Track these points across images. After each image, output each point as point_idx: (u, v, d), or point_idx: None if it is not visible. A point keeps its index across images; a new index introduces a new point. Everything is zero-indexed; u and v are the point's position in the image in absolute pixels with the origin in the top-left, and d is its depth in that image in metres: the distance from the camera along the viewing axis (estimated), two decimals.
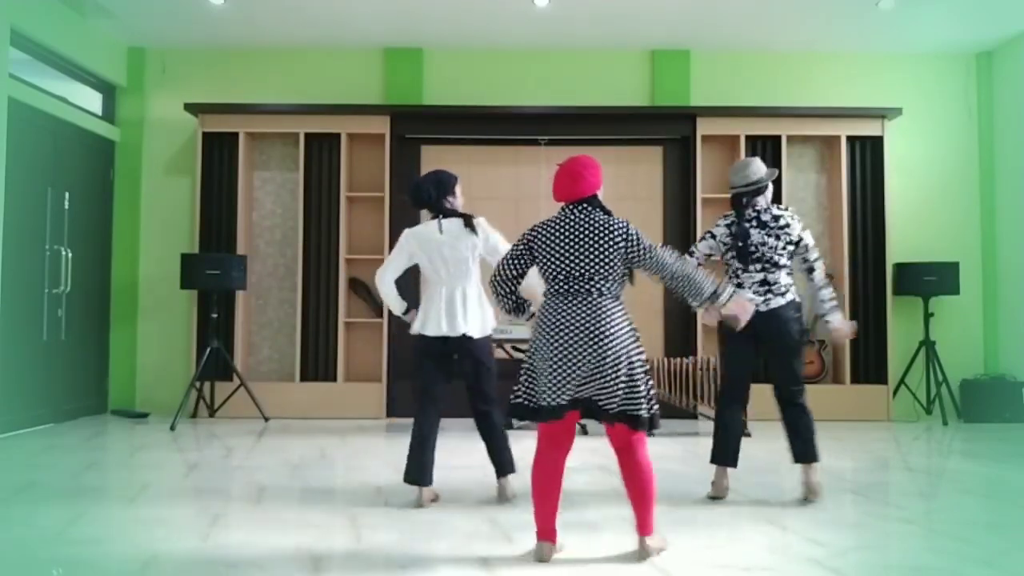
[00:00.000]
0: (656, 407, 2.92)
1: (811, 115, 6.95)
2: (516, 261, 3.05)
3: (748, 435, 5.84)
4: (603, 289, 2.91)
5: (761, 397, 6.65)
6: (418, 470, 3.72)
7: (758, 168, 3.96)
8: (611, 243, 2.91)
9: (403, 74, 7.26)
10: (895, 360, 6.90)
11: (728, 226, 3.97)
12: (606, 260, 2.90)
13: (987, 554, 3.00)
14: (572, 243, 2.93)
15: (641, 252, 2.94)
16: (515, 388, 2.98)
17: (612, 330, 2.84)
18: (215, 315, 6.50)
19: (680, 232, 7.05)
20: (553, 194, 3.08)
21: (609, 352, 2.82)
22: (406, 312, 3.94)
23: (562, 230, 2.96)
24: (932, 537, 3.25)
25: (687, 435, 5.92)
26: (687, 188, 7.05)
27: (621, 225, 2.95)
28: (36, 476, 4.33)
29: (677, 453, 5.19)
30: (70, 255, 6.37)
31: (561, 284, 2.93)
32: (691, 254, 4.01)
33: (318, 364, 6.91)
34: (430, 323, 3.76)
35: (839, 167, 6.99)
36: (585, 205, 3.00)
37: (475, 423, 3.89)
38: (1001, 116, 7.17)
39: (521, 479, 4.03)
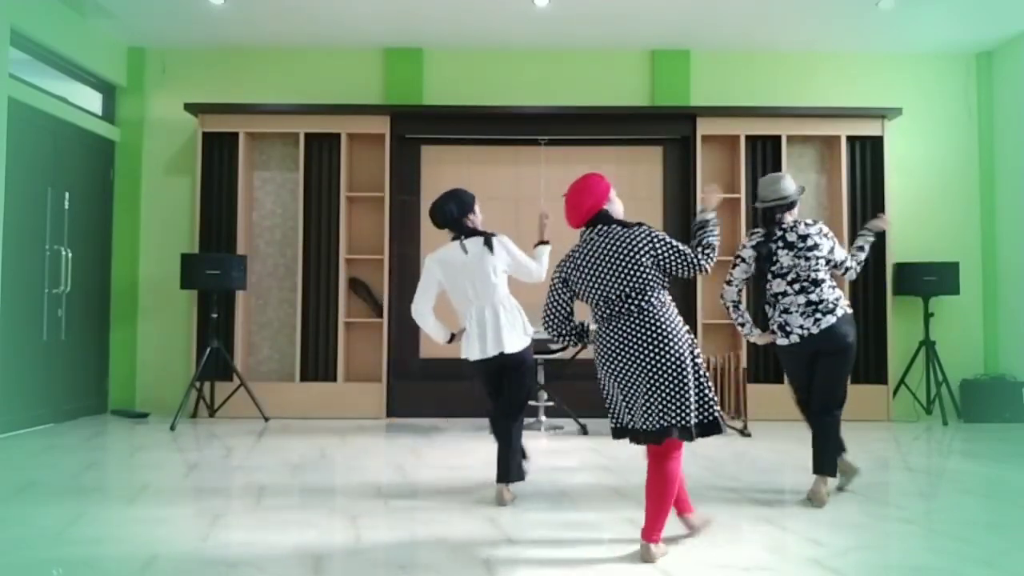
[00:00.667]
0: (715, 411, 2.98)
1: (811, 115, 6.95)
2: (557, 302, 3.08)
3: (748, 435, 5.85)
4: (642, 303, 2.91)
5: (762, 397, 6.68)
6: (504, 468, 3.78)
7: (789, 184, 3.93)
8: (638, 254, 2.92)
9: (403, 74, 7.26)
10: (895, 360, 6.90)
11: (755, 247, 3.92)
12: (639, 273, 2.91)
13: (987, 554, 3.00)
14: (600, 267, 2.95)
15: (668, 252, 2.95)
16: (606, 406, 3.07)
17: (662, 342, 2.87)
18: (215, 315, 6.50)
19: (680, 232, 7.04)
20: (568, 222, 3.13)
21: (671, 360, 2.86)
22: (451, 339, 3.96)
23: (587, 256, 2.99)
24: (932, 537, 3.25)
25: None
26: (687, 188, 7.05)
27: (643, 233, 2.96)
28: (36, 476, 4.33)
29: None
30: (70, 255, 6.37)
31: (603, 309, 2.97)
32: (729, 283, 3.96)
33: (318, 364, 6.91)
34: (470, 347, 3.82)
35: (839, 167, 6.99)
36: (600, 225, 3.02)
37: (491, 423, 3.92)
38: (1001, 116, 7.17)
39: (525, 482, 4.03)
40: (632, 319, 2.90)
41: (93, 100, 7.02)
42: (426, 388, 6.82)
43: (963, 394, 6.87)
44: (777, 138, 7.00)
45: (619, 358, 2.89)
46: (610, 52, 7.32)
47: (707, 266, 3.01)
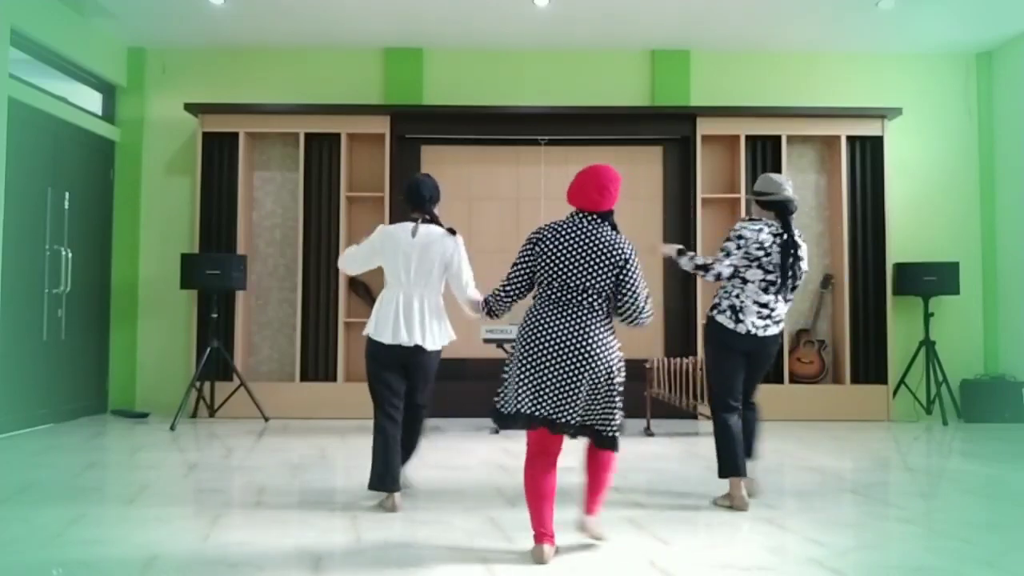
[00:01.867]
0: (619, 428, 3.00)
1: (811, 115, 6.95)
2: (520, 276, 3.05)
3: None
4: (595, 304, 2.91)
5: (762, 397, 6.67)
6: (389, 476, 3.61)
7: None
8: (611, 261, 2.91)
9: (403, 74, 7.26)
10: (895, 360, 6.90)
11: (776, 235, 3.78)
12: (604, 276, 2.91)
13: (987, 554, 3.00)
14: (576, 252, 2.92)
15: (627, 276, 2.94)
16: (497, 392, 3.00)
17: (599, 347, 2.87)
18: (215, 315, 6.49)
19: (680, 232, 7.05)
20: (568, 197, 3.05)
21: (599, 369, 2.86)
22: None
23: (569, 237, 2.95)
24: (932, 537, 3.25)
25: (687, 435, 5.92)
26: (687, 188, 7.04)
27: (626, 247, 2.96)
28: (36, 476, 4.33)
29: (677, 453, 5.19)
30: (70, 255, 6.37)
31: (555, 292, 2.93)
32: (718, 277, 3.77)
33: (318, 364, 6.91)
34: (384, 329, 3.63)
35: (839, 167, 6.99)
36: (597, 218, 2.98)
37: (385, 423, 3.77)
38: (1001, 116, 7.17)
39: (515, 480, 4.03)
40: (580, 312, 2.89)
41: (93, 100, 7.02)
42: None
43: (963, 394, 6.87)
44: (777, 138, 7.00)
45: (552, 344, 2.85)
46: (610, 52, 7.32)
47: (644, 322, 3.03)
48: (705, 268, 3.78)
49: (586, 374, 2.84)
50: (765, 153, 7.05)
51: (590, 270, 2.90)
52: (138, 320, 7.13)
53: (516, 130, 7.08)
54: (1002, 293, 7.12)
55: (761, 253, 3.75)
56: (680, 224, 7.07)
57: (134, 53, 7.26)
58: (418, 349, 3.64)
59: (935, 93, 7.34)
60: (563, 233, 2.96)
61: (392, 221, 6.89)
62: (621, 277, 2.93)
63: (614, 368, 2.90)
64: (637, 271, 2.96)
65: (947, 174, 7.31)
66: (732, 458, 3.70)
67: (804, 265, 3.82)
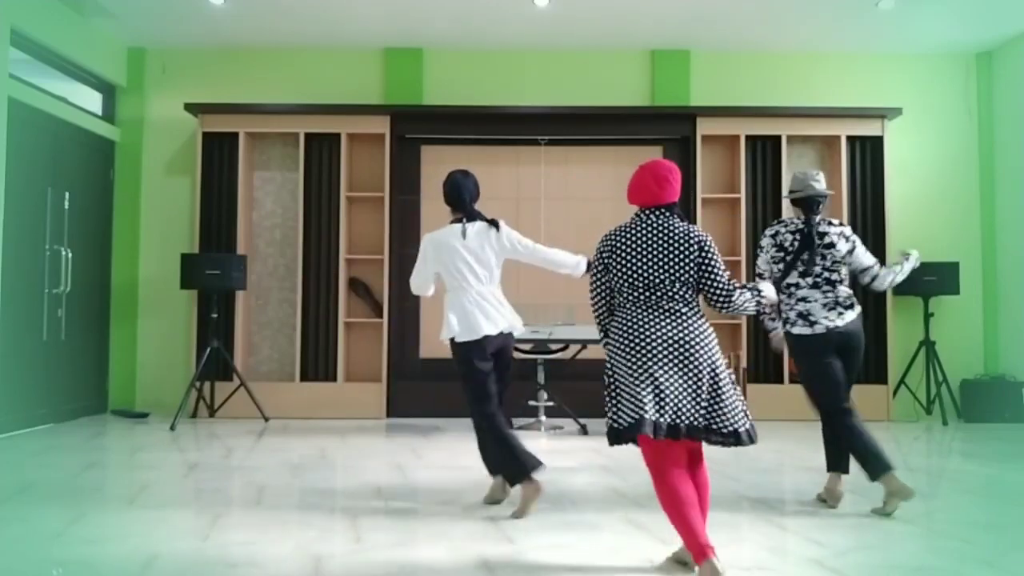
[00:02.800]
0: (739, 421, 2.75)
1: (811, 115, 6.95)
2: (599, 289, 2.94)
3: None
4: (687, 298, 2.80)
5: (762, 397, 6.68)
6: (532, 455, 3.58)
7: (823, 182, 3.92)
8: (689, 249, 2.79)
9: (403, 74, 7.26)
10: (895, 360, 6.90)
11: (797, 231, 3.79)
12: (686, 269, 2.78)
13: (987, 554, 3.00)
14: (653, 249, 2.81)
15: (707, 264, 2.80)
16: (607, 412, 2.82)
17: (699, 341, 2.74)
18: (215, 315, 6.49)
19: None
20: (629, 197, 2.95)
21: (702, 364, 2.72)
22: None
23: (641, 236, 2.83)
24: (932, 537, 3.25)
25: None
26: (687, 188, 7.04)
27: (700, 235, 2.84)
28: (36, 476, 4.33)
29: None
30: (70, 255, 6.37)
31: (641, 293, 2.80)
32: (760, 276, 3.82)
33: (318, 364, 6.91)
34: (474, 326, 3.63)
35: (839, 167, 6.99)
36: (664, 211, 2.87)
37: (490, 417, 3.69)
38: (1001, 116, 7.17)
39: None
40: (674, 309, 2.78)
41: (93, 100, 7.02)
42: (426, 388, 6.82)
43: (963, 394, 6.87)
44: (777, 138, 7.00)
45: (656, 346, 2.72)
46: (610, 52, 7.32)
47: (740, 306, 2.83)
48: (758, 292, 3.58)
49: (694, 370, 2.71)
50: (765, 153, 7.06)
51: (671, 263, 2.78)
52: (138, 320, 7.13)
53: (516, 130, 7.08)
54: (1002, 293, 7.12)
55: (782, 255, 3.78)
56: None
57: (134, 53, 7.26)
58: (509, 335, 3.74)
59: (935, 93, 7.34)
60: (633, 233, 2.85)
61: (392, 221, 6.91)
62: (703, 263, 2.80)
63: (717, 361, 2.76)
64: (716, 255, 2.83)
65: (947, 174, 7.31)
66: (877, 456, 3.56)
67: (838, 252, 3.74)
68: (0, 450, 5.13)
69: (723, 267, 2.85)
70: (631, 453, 4.80)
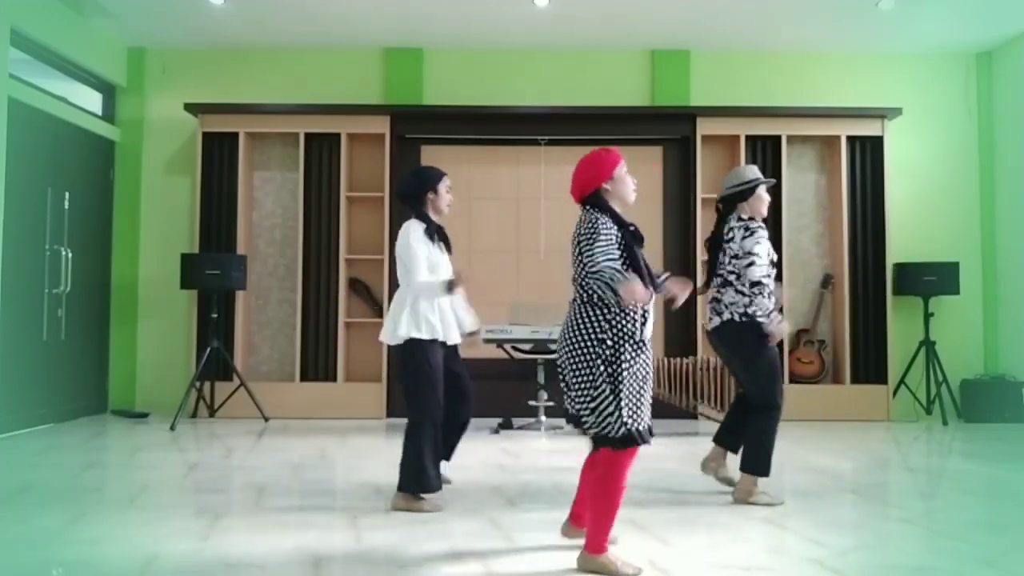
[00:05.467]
0: (620, 427, 2.72)
1: (811, 115, 6.95)
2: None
3: None
4: (584, 295, 2.81)
5: None
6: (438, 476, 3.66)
7: (732, 177, 3.99)
8: (574, 240, 2.85)
9: (403, 74, 7.26)
10: (895, 360, 6.90)
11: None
12: (573, 260, 2.85)
13: (987, 554, 3.00)
14: (572, 246, 2.90)
15: (577, 245, 2.80)
16: (624, 411, 2.81)
17: (569, 336, 2.80)
18: (215, 315, 6.49)
19: (680, 232, 7.05)
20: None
21: (563, 359, 2.81)
22: (452, 287, 3.62)
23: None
24: (932, 537, 3.25)
25: (687, 435, 5.92)
26: (687, 188, 7.04)
27: (583, 220, 2.84)
28: (36, 476, 4.33)
29: (677, 453, 5.19)
30: (70, 255, 6.37)
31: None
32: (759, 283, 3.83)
33: (318, 364, 6.91)
34: (448, 330, 3.67)
35: (839, 167, 6.99)
36: (585, 205, 2.93)
37: (450, 422, 3.74)
38: (1001, 116, 7.17)
39: (515, 480, 4.03)
40: (572, 304, 2.86)
41: (93, 100, 7.02)
42: None
43: (963, 394, 6.87)
44: (777, 138, 7.00)
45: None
46: (610, 52, 7.32)
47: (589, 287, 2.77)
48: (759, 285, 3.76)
49: (562, 364, 2.84)
50: (765, 153, 7.05)
51: (574, 257, 2.86)
52: (138, 320, 7.13)
53: (516, 130, 7.07)
54: (1002, 293, 7.12)
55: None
56: (680, 224, 7.08)
57: (134, 53, 7.26)
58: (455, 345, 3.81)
59: (935, 93, 7.34)
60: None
61: (392, 221, 6.90)
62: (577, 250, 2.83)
63: (571, 354, 2.78)
64: (583, 237, 2.78)
65: (947, 174, 7.31)
66: (771, 457, 3.79)
67: (732, 252, 3.80)
68: (0, 450, 5.13)
69: (597, 245, 2.73)
70: (641, 452, 4.81)
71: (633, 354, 2.76)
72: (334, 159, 7.03)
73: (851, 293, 6.95)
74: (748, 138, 7.00)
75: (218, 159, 7.00)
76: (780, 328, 3.73)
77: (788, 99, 7.20)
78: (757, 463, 3.76)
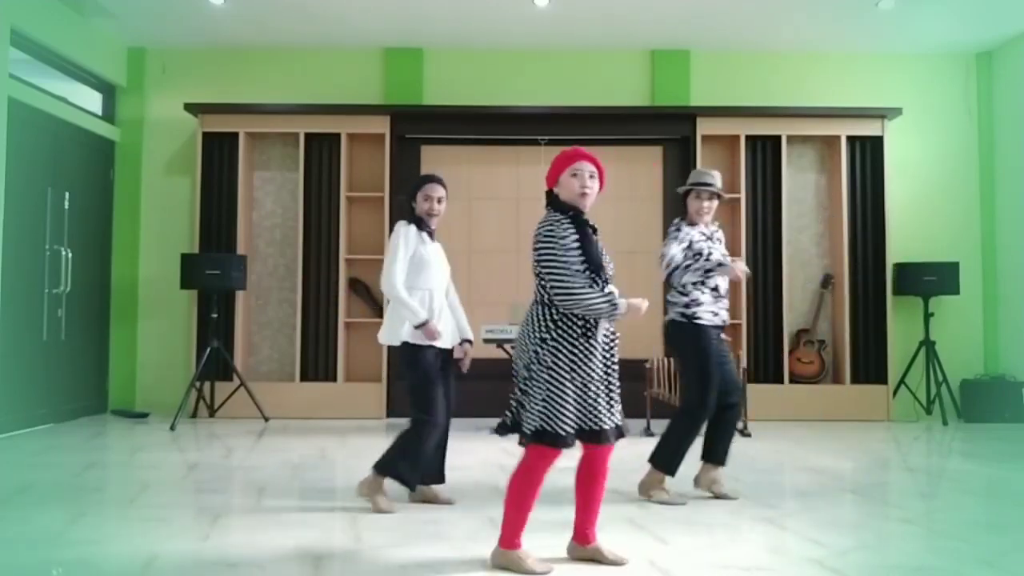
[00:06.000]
0: (540, 427, 2.70)
1: (811, 115, 6.95)
2: None
3: (748, 435, 5.85)
4: (540, 295, 2.79)
5: (762, 397, 6.68)
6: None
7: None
8: (535, 243, 2.80)
9: (403, 74, 7.26)
10: (895, 360, 6.90)
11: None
12: (533, 261, 2.81)
13: (987, 554, 3.00)
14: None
15: (535, 251, 2.76)
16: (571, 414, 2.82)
17: (523, 337, 2.78)
18: (215, 315, 6.49)
19: None
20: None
21: (520, 359, 2.79)
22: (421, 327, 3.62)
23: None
24: (932, 537, 3.25)
25: None
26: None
27: (541, 223, 2.80)
28: (36, 476, 4.33)
29: None
30: (70, 255, 6.37)
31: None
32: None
33: (318, 364, 6.91)
34: (447, 335, 3.73)
35: (839, 167, 6.99)
36: (547, 204, 2.90)
37: (439, 427, 3.76)
38: (1001, 116, 7.17)
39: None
40: (532, 306, 2.83)
41: (93, 100, 7.02)
42: None
43: (963, 394, 6.87)
44: (777, 138, 7.00)
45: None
46: (610, 52, 7.32)
47: (568, 306, 2.71)
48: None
49: (518, 364, 2.82)
50: (765, 153, 7.06)
51: (533, 257, 2.83)
52: (138, 320, 7.13)
53: (516, 130, 7.08)
54: (1002, 293, 7.12)
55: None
56: None
57: (134, 53, 7.26)
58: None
59: (935, 93, 7.34)
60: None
61: (392, 221, 6.90)
62: (536, 260, 2.77)
63: (531, 357, 2.75)
64: (542, 243, 2.74)
65: (947, 174, 7.31)
66: (682, 457, 3.87)
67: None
68: (0, 450, 5.13)
69: (560, 252, 2.71)
70: (631, 453, 4.81)
71: (573, 356, 2.72)
72: (334, 159, 7.03)
73: (851, 293, 6.95)
74: (748, 138, 7.00)
75: (218, 159, 7.00)
76: (734, 268, 3.77)
77: (788, 99, 7.20)
78: (666, 460, 3.81)
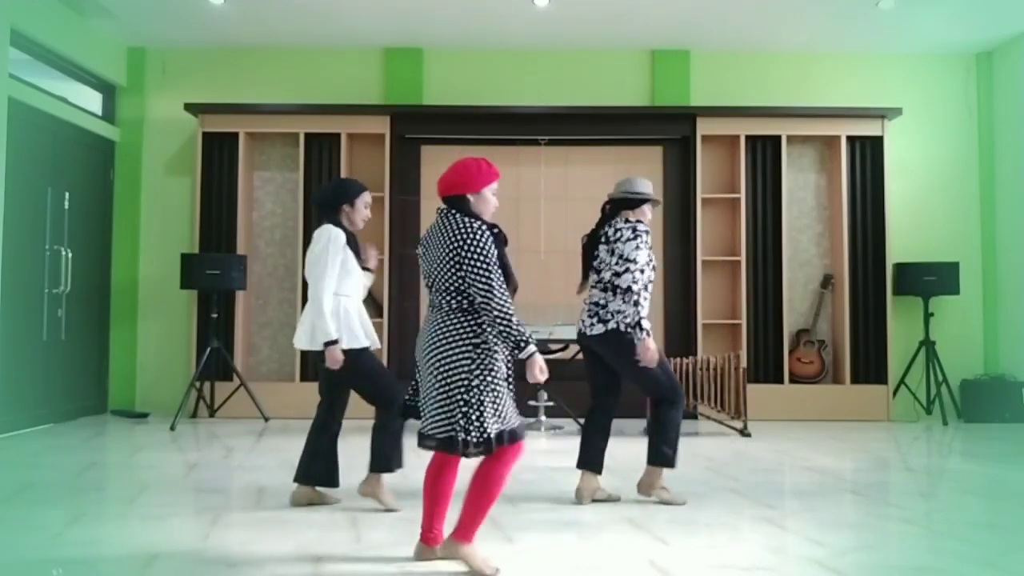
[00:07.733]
0: (475, 434, 2.67)
1: (811, 115, 6.95)
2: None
3: (748, 435, 5.85)
4: (442, 303, 2.78)
5: (762, 397, 6.68)
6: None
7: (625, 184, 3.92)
8: (448, 248, 2.73)
9: (403, 74, 7.26)
10: (895, 360, 6.90)
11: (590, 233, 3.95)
12: (444, 268, 2.75)
13: (987, 554, 3.00)
14: (430, 250, 2.82)
15: (463, 259, 2.70)
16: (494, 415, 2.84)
17: (434, 345, 2.76)
18: (215, 315, 6.49)
19: (680, 232, 7.05)
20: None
21: (427, 367, 2.79)
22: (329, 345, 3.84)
23: (427, 236, 2.87)
24: (932, 537, 3.25)
25: (687, 435, 5.91)
26: (687, 188, 7.04)
27: (463, 227, 2.73)
28: (36, 476, 4.33)
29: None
30: (70, 255, 6.37)
31: (430, 296, 2.86)
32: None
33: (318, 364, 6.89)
34: (369, 333, 3.93)
35: (839, 167, 6.99)
36: (446, 208, 2.85)
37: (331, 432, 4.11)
38: (1001, 116, 7.17)
39: (515, 480, 4.02)
40: (432, 314, 2.83)
41: (93, 100, 7.02)
42: None
43: (963, 394, 6.87)
44: (777, 138, 7.00)
45: (420, 349, 2.85)
46: (610, 52, 7.32)
47: (493, 308, 2.70)
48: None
49: (423, 372, 2.88)
50: (765, 153, 7.06)
51: (436, 264, 2.78)
52: (138, 320, 7.13)
53: (516, 130, 7.07)
54: (1002, 293, 7.12)
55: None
56: (680, 224, 7.07)
57: (134, 53, 7.26)
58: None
59: (935, 93, 7.34)
60: (427, 233, 2.89)
61: (392, 221, 6.91)
62: (461, 263, 2.71)
63: (441, 363, 2.77)
64: (472, 250, 2.70)
65: (947, 174, 7.31)
66: (676, 448, 3.83)
67: (619, 252, 3.70)
68: (0, 450, 5.13)
69: (492, 262, 2.72)
70: (631, 453, 4.81)
71: (494, 361, 2.78)
72: (334, 159, 7.03)
73: (851, 293, 6.95)
74: (748, 138, 7.01)
75: (218, 159, 7.00)
76: (649, 349, 3.59)
77: (788, 99, 7.20)
78: (663, 455, 3.77)
